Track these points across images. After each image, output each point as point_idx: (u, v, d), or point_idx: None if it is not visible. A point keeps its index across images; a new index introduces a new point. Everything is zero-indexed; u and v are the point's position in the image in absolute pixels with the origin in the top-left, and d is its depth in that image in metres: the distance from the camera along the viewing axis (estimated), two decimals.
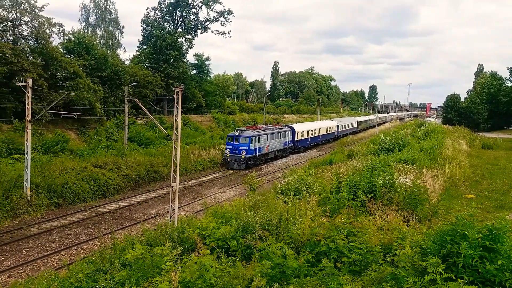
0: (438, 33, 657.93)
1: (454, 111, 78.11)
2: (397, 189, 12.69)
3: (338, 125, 66.78)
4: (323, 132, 58.24)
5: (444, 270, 5.56)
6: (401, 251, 6.70)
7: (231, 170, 35.89)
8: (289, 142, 45.80)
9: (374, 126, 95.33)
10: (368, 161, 18.29)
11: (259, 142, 37.85)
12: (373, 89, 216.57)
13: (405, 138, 31.62)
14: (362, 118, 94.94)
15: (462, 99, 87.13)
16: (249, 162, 36.65)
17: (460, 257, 5.94)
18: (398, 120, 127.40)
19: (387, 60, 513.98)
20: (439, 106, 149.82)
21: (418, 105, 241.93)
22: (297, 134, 47.84)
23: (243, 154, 35.66)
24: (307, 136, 51.80)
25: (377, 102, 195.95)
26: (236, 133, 36.72)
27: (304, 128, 51.49)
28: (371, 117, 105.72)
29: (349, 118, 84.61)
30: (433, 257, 5.90)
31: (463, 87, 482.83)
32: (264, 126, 44.73)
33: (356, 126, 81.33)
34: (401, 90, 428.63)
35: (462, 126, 57.68)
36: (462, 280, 5.41)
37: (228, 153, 36.32)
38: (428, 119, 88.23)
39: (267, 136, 39.69)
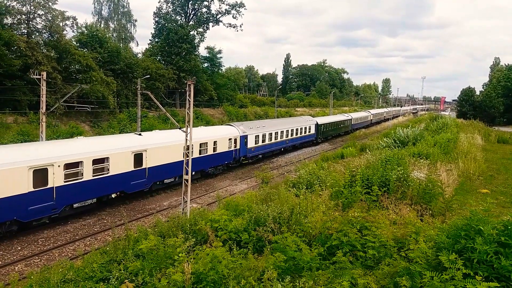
0: (453, 25, 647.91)
1: (469, 105, 76.84)
2: (411, 183, 12.57)
3: (245, 136, 31.99)
4: (167, 159, 23.48)
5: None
6: (415, 245, 6.64)
7: None
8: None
9: (356, 130, 65.01)
10: (381, 155, 18.14)
11: None
12: (386, 82, 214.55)
13: (420, 133, 31.28)
14: (333, 118, 56.78)
15: (477, 93, 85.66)
16: None
17: (475, 252, 5.87)
18: (411, 114, 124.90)
19: (401, 53, 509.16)
20: (453, 100, 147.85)
21: (432, 99, 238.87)
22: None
23: None
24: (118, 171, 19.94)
25: (391, 96, 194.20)
26: None
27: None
28: (359, 115, 71.30)
29: (295, 119, 47.92)
30: (450, 253, 5.84)
31: (478, 81, 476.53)
32: None
33: (314, 133, 47.30)
34: (415, 83, 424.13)
35: (477, 120, 56.77)
36: (479, 277, 5.35)
37: None
38: (442, 112, 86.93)
39: None
